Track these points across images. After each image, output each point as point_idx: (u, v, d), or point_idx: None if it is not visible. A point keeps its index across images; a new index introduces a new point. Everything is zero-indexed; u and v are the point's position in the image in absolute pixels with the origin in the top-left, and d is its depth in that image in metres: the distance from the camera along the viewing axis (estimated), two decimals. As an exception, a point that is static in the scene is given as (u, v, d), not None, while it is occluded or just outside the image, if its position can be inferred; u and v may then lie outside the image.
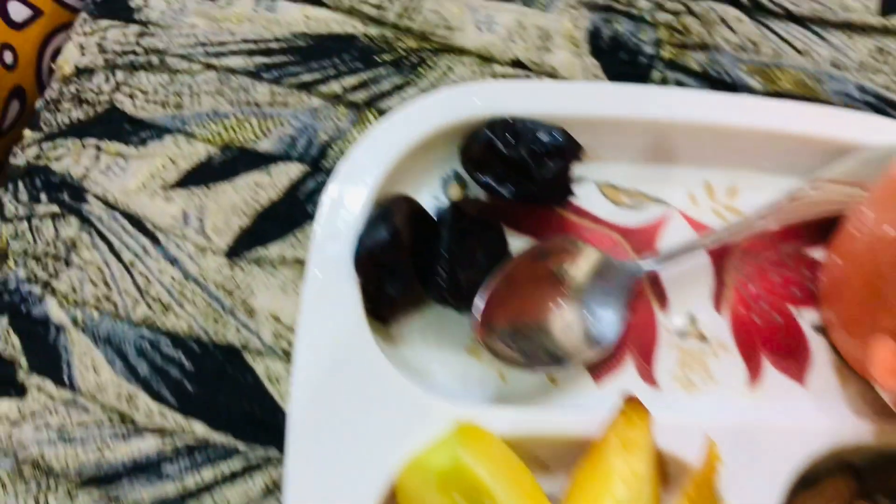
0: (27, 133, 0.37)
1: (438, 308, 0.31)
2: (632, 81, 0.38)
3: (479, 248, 0.31)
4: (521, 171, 0.32)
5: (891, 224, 0.29)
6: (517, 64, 0.37)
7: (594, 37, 0.39)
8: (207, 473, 0.28)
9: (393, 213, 0.30)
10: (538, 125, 0.32)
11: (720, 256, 0.34)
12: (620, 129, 0.34)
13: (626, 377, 0.30)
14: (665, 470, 0.28)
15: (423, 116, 0.33)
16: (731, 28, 0.40)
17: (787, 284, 0.34)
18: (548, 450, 0.28)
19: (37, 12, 0.40)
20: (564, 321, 0.31)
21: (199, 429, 0.30)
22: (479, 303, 0.28)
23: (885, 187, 0.30)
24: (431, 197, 0.34)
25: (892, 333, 0.28)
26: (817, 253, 0.34)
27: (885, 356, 0.28)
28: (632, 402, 0.26)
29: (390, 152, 0.32)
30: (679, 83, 0.38)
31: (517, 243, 0.33)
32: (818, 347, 0.32)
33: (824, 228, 0.34)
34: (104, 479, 0.28)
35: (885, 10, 0.40)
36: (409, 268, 0.30)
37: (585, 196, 0.34)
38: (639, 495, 0.25)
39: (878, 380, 0.27)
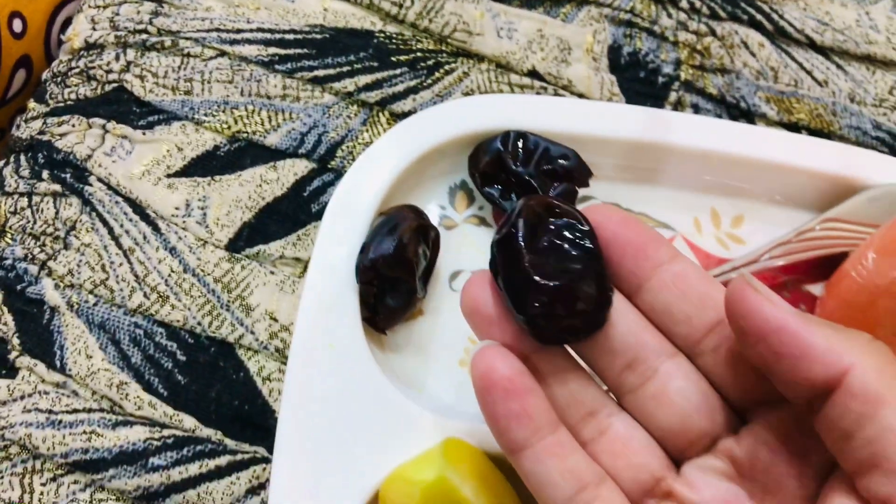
0: (32, 105, 0.36)
1: (434, 320, 0.31)
2: (648, 100, 0.38)
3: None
4: (527, 189, 0.31)
5: (892, 272, 0.29)
6: (534, 74, 0.37)
7: (614, 52, 0.38)
8: (193, 468, 0.29)
9: (399, 224, 0.30)
10: (551, 144, 0.32)
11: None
12: (632, 151, 0.34)
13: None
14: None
15: (437, 125, 0.33)
16: (752, 53, 0.39)
17: (785, 319, 0.34)
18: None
19: (49, -20, 0.40)
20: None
21: (188, 422, 0.30)
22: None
23: (891, 234, 0.30)
24: (437, 206, 0.33)
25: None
26: (816, 289, 0.34)
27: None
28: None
29: (401, 159, 0.32)
30: (695, 105, 0.38)
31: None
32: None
33: (826, 265, 0.34)
34: (90, 465, 0.28)
35: (908, 47, 0.40)
36: (411, 281, 0.29)
37: (591, 216, 0.34)
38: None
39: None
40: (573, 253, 0.20)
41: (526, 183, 0.31)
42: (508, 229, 0.20)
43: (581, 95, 0.37)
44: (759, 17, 0.40)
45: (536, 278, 0.19)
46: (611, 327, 0.21)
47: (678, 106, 0.38)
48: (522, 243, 0.20)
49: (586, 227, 0.20)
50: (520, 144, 0.32)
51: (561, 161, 0.32)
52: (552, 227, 0.20)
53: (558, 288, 0.19)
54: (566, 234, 0.20)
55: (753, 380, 0.20)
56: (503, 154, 0.32)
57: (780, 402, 0.20)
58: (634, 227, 0.21)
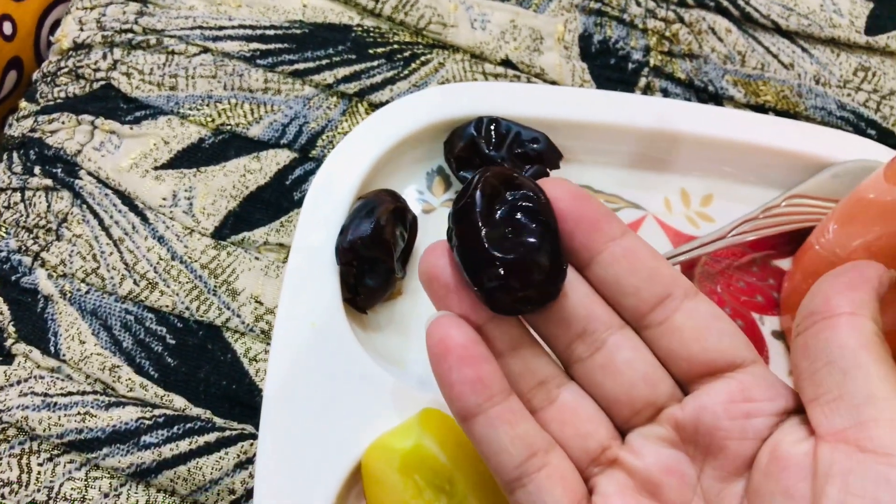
0: (23, 104, 0.37)
1: (413, 300, 0.32)
2: (618, 86, 0.39)
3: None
4: None
5: (851, 241, 0.30)
6: (507, 63, 0.38)
7: (585, 40, 0.40)
8: (184, 444, 0.30)
9: (377, 206, 0.31)
10: (522, 129, 0.33)
11: (690, 264, 0.35)
12: (603, 134, 0.35)
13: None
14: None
15: (412, 113, 0.34)
16: (720, 38, 0.41)
17: (752, 292, 0.35)
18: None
19: (38, -16, 0.41)
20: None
21: (179, 402, 0.31)
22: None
23: (850, 204, 0.31)
24: (416, 191, 0.35)
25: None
26: (785, 263, 0.36)
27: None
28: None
29: (378, 146, 0.33)
30: (664, 90, 0.39)
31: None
32: (776, 352, 0.33)
33: (794, 240, 0.35)
34: (85, 444, 0.30)
35: (871, 30, 0.41)
36: (388, 261, 0.31)
37: (564, 197, 0.35)
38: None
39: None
40: (529, 225, 0.21)
41: (497, 165, 0.33)
42: (465, 201, 0.21)
43: (553, 83, 0.38)
44: (725, 3, 0.41)
45: (493, 252, 0.20)
46: (563, 298, 0.21)
47: (648, 91, 0.39)
48: (479, 216, 0.20)
49: (543, 200, 0.21)
50: (492, 129, 0.33)
51: (532, 145, 0.33)
52: (509, 198, 0.21)
53: (513, 261, 0.20)
54: (522, 205, 0.21)
55: (698, 351, 0.21)
56: (476, 139, 0.33)
57: (722, 372, 0.21)
58: (587, 203, 0.22)
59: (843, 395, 0.18)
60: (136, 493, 0.29)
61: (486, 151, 0.33)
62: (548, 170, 0.33)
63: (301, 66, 0.37)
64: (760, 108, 0.39)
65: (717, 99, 0.39)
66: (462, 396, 0.20)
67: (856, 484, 0.17)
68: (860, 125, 0.39)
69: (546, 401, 0.22)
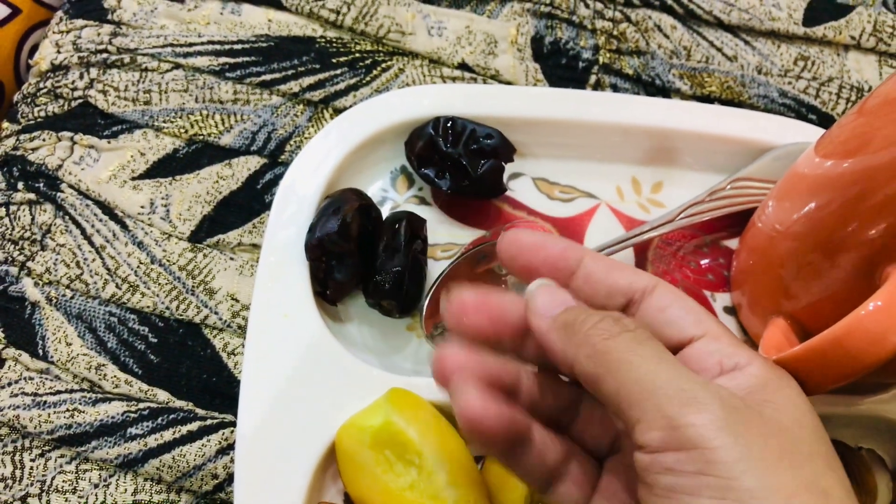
0: (5, 125, 0.39)
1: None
2: (570, 84, 0.41)
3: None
4: (459, 168, 0.35)
5: (788, 216, 0.32)
6: (464, 66, 0.41)
7: (537, 42, 0.42)
8: (168, 434, 0.32)
9: (343, 205, 0.33)
10: (477, 126, 0.35)
11: (643, 248, 0.37)
12: (555, 129, 0.37)
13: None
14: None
15: (373, 115, 0.36)
16: (665, 35, 0.43)
17: (704, 272, 0.37)
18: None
19: (15, 10, 0.43)
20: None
21: (162, 396, 0.33)
22: (424, 303, 0.31)
23: (786, 182, 0.33)
24: (380, 190, 0.37)
25: (788, 315, 0.32)
26: (732, 243, 0.38)
27: (772, 334, 0.31)
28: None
29: (342, 148, 0.35)
30: (613, 86, 0.41)
31: (462, 233, 0.36)
32: (728, 326, 0.35)
33: (741, 222, 0.37)
34: (74, 438, 0.31)
35: (808, 21, 0.44)
36: (355, 256, 0.33)
37: (521, 189, 0.37)
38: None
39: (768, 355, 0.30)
40: None
41: (456, 161, 0.35)
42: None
43: (509, 83, 0.41)
44: (670, 1, 0.44)
45: None
46: None
47: (598, 87, 0.41)
48: None
49: None
50: (449, 128, 0.35)
51: (486, 140, 0.35)
52: None
53: None
54: None
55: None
56: (435, 137, 0.35)
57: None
58: (542, 250, 0.23)
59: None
60: (124, 482, 0.31)
61: (444, 149, 0.35)
62: (503, 163, 0.35)
63: (268, 77, 0.39)
64: (706, 99, 0.42)
65: (664, 92, 0.42)
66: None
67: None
68: (801, 111, 0.41)
69: None
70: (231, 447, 0.32)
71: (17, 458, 0.31)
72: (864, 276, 0.26)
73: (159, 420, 0.32)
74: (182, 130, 0.38)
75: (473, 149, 0.35)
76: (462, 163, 0.35)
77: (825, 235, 0.29)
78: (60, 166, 0.37)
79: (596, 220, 0.37)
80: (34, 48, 0.43)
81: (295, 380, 0.31)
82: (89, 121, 0.38)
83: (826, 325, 0.23)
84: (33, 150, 0.38)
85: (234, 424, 0.32)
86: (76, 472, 0.31)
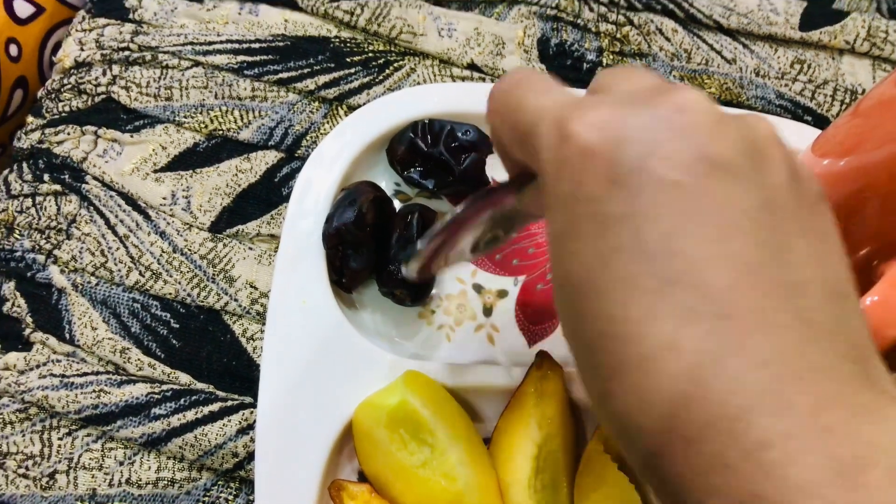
0: (30, 119, 0.41)
1: (394, 278, 0.35)
2: (575, 84, 0.42)
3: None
4: (442, 166, 0.36)
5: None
6: (473, 67, 0.42)
7: (543, 44, 0.44)
8: (190, 414, 0.33)
9: (358, 196, 0.34)
10: (454, 124, 0.36)
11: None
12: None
13: (554, 341, 0.35)
14: (579, 415, 0.32)
15: (386, 113, 0.37)
16: (667, 38, 0.45)
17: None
18: (482, 398, 0.33)
19: (39, 9, 0.44)
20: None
21: (184, 378, 0.34)
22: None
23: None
24: (393, 183, 0.38)
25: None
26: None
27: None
28: (546, 359, 0.31)
29: (356, 143, 0.36)
30: (617, 87, 0.43)
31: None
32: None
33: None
34: (100, 418, 0.33)
35: (805, 26, 0.45)
36: (370, 245, 0.34)
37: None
38: (551, 434, 0.30)
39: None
40: None
41: (438, 160, 0.36)
42: None
43: (516, 83, 0.42)
44: (671, 6, 0.45)
45: None
46: None
47: (602, 87, 0.43)
48: None
49: None
50: (427, 129, 0.36)
51: (464, 136, 0.36)
52: None
53: None
54: None
55: None
56: (414, 140, 0.36)
57: None
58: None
59: None
60: (148, 460, 0.32)
61: (425, 149, 0.36)
62: (483, 157, 0.36)
63: (285, 75, 0.41)
64: (705, 100, 0.43)
65: (665, 92, 0.43)
66: None
67: None
68: (798, 112, 0.43)
69: None
70: (250, 427, 0.33)
71: (45, 436, 0.33)
72: (861, 272, 0.27)
73: (182, 401, 0.33)
74: (202, 125, 0.39)
75: (453, 146, 0.36)
76: (444, 160, 0.36)
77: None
78: (85, 159, 0.39)
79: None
80: (57, 46, 0.45)
81: (312, 363, 0.32)
82: (112, 115, 0.40)
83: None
84: (58, 143, 0.39)
85: (252, 406, 0.33)
86: (102, 450, 0.33)
